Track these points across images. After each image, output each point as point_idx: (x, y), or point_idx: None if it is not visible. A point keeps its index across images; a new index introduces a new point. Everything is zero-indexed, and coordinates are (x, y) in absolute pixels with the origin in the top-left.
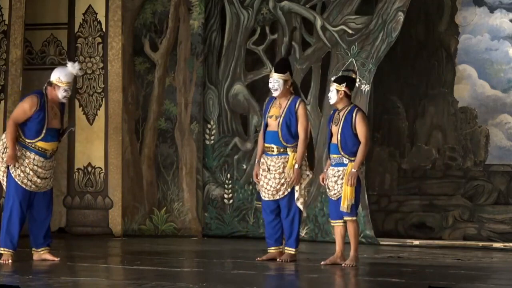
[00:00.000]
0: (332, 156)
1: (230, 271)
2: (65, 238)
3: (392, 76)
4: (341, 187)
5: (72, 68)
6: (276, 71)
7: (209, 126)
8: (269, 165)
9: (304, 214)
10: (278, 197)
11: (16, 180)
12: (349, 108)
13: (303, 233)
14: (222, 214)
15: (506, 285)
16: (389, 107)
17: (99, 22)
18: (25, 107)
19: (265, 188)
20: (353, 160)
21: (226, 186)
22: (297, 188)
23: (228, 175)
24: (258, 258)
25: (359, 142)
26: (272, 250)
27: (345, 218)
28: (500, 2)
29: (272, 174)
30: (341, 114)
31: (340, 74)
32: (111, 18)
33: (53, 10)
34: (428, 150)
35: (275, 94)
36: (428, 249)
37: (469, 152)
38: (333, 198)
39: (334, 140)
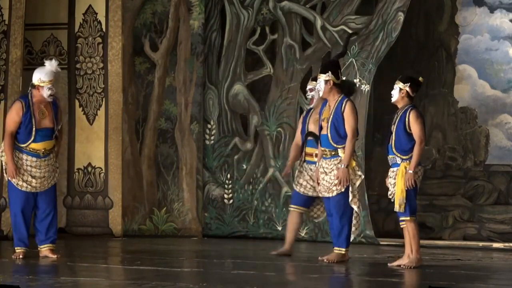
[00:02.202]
0: (388, 157)
1: (230, 271)
2: (65, 238)
3: (392, 76)
4: (393, 188)
5: (51, 66)
6: (319, 72)
7: (209, 126)
8: (324, 168)
9: (359, 217)
10: (330, 196)
11: (13, 182)
12: (405, 107)
13: (303, 233)
14: (222, 214)
15: (506, 285)
16: (389, 107)
17: (99, 22)
18: (13, 115)
19: (321, 188)
20: (405, 160)
21: (226, 186)
22: (350, 189)
23: (228, 175)
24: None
25: (413, 141)
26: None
27: (401, 218)
28: (500, 2)
29: (328, 176)
30: (399, 113)
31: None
32: (111, 18)
33: (53, 10)
34: (428, 150)
35: (320, 94)
36: (428, 249)
37: (469, 152)
38: (392, 200)
39: (390, 141)
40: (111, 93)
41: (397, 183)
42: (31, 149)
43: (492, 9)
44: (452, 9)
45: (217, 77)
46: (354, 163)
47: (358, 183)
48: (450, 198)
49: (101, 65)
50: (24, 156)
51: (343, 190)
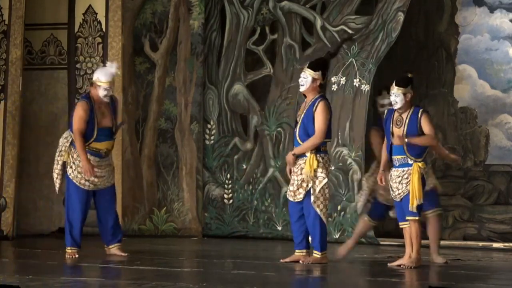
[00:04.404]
0: (395, 157)
1: (230, 271)
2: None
3: (392, 76)
4: (405, 187)
5: (111, 67)
6: (308, 66)
7: (209, 126)
8: (292, 168)
9: (324, 220)
10: (297, 199)
11: (75, 181)
12: (412, 109)
13: None
14: (222, 214)
15: (506, 285)
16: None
17: (99, 22)
18: (81, 114)
19: (289, 190)
20: (418, 161)
21: (226, 186)
22: (312, 191)
23: (228, 175)
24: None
25: None
26: (296, 252)
27: (408, 217)
28: (500, 2)
29: (293, 176)
30: (404, 116)
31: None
32: (111, 18)
33: (53, 10)
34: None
35: (301, 89)
36: (428, 249)
37: (469, 152)
38: (397, 199)
39: (397, 142)
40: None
41: (412, 182)
42: (94, 149)
43: (492, 9)
44: (452, 9)
45: (217, 77)
46: (316, 164)
47: (320, 185)
48: (450, 198)
49: (101, 65)
50: (87, 156)
51: (304, 192)
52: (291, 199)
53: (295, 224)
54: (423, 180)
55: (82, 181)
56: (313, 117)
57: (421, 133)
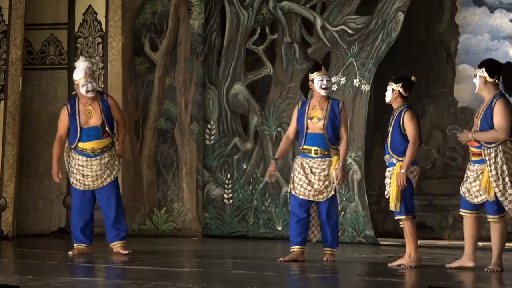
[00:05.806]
0: (384, 157)
1: (230, 271)
2: (65, 238)
3: (392, 76)
4: (389, 187)
5: (77, 64)
6: (328, 70)
7: (209, 126)
8: (311, 167)
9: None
10: (319, 199)
11: (70, 180)
12: (401, 108)
13: None
14: (222, 214)
15: (506, 285)
16: (389, 107)
17: (99, 22)
18: (60, 118)
19: (305, 188)
20: (401, 160)
21: (226, 186)
22: (338, 188)
23: (228, 175)
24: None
25: (408, 142)
26: (296, 248)
27: (396, 217)
28: (500, 2)
29: (317, 176)
30: (394, 114)
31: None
32: (111, 18)
33: (53, 10)
34: (428, 150)
35: (325, 93)
36: (428, 249)
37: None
38: (388, 199)
39: (386, 141)
40: (111, 93)
41: (392, 182)
42: (81, 149)
43: (492, 9)
44: (452, 9)
45: (217, 77)
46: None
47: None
48: (450, 198)
49: (101, 65)
50: (76, 156)
51: (333, 192)
52: (309, 198)
53: (301, 220)
54: (409, 182)
55: (74, 181)
56: (339, 120)
57: (404, 132)
